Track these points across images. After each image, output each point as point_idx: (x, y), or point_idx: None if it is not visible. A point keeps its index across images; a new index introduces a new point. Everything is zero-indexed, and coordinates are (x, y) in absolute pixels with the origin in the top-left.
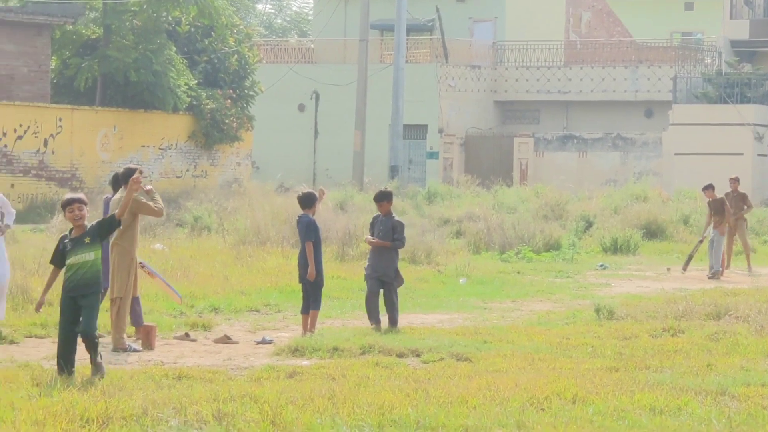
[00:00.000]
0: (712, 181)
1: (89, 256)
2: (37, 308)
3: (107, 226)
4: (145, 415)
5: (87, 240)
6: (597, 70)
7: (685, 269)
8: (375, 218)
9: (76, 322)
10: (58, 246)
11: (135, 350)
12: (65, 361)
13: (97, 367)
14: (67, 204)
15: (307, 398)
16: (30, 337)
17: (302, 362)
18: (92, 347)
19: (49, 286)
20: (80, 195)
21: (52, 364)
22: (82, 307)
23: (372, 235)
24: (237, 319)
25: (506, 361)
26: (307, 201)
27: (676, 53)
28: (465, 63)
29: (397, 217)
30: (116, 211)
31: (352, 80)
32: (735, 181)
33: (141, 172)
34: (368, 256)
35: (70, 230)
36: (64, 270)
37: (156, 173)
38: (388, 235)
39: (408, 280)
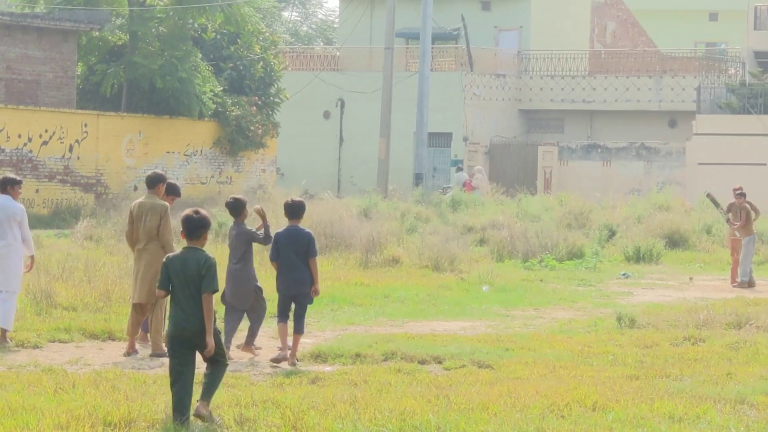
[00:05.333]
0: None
1: None
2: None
3: None
4: (168, 419)
5: None
6: (621, 79)
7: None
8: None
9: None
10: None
11: None
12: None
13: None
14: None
15: (329, 404)
16: (54, 341)
17: (325, 368)
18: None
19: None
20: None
21: (75, 369)
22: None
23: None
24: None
25: (527, 369)
26: (299, 211)
27: (700, 63)
28: (490, 72)
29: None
30: None
31: (377, 88)
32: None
33: None
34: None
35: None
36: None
37: (181, 179)
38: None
39: (431, 287)
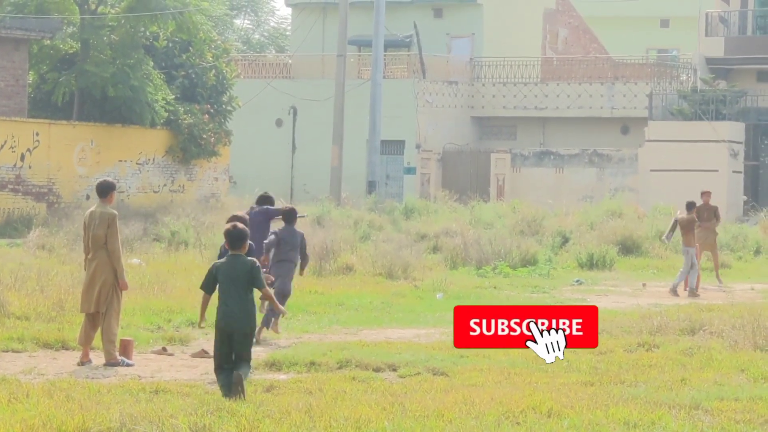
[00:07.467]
0: (687, 198)
1: None
2: None
3: None
4: (123, 428)
5: None
6: (573, 86)
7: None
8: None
9: None
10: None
11: (128, 365)
12: None
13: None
14: None
15: (284, 412)
16: (6, 351)
17: (279, 376)
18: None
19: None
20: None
21: (29, 379)
22: None
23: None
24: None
25: (482, 376)
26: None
27: (652, 70)
28: (442, 79)
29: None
30: None
31: (329, 95)
32: (707, 194)
33: None
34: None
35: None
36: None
37: (133, 188)
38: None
39: (385, 295)
